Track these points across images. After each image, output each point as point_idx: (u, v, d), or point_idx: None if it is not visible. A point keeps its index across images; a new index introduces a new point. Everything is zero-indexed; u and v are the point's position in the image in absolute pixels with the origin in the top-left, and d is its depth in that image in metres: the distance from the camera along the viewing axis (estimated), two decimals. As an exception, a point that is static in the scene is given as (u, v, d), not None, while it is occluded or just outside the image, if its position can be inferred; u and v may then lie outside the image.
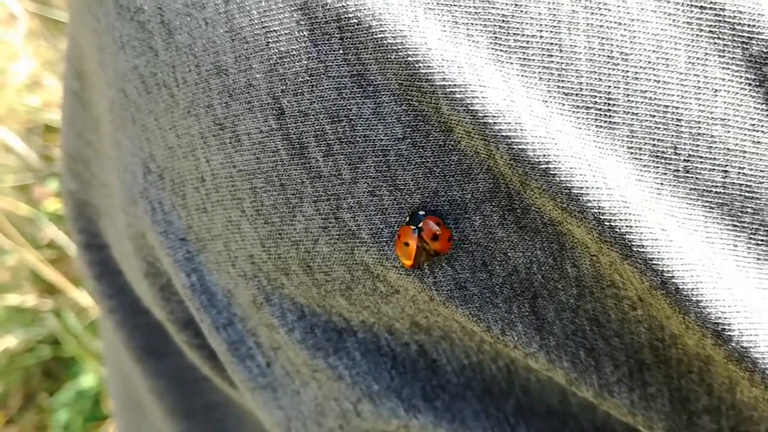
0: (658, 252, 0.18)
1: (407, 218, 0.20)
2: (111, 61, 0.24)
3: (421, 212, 0.20)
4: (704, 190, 0.20)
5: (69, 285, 1.03)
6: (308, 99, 0.20)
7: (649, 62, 0.19)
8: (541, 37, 0.19)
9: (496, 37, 0.19)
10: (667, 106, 0.19)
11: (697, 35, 0.19)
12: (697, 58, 0.19)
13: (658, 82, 0.19)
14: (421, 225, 0.20)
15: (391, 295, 0.22)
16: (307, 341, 0.23)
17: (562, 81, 0.19)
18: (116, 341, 0.34)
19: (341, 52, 0.19)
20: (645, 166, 0.19)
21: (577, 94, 0.19)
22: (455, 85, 0.18)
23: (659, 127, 0.19)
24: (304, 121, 0.20)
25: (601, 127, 0.19)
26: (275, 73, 0.20)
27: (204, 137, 0.22)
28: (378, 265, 0.21)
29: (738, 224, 0.20)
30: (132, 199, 0.25)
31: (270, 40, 0.20)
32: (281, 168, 0.21)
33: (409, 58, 0.18)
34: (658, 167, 0.19)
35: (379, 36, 0.19)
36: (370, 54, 0.19)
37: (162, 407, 0.34)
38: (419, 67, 0.18)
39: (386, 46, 0.19)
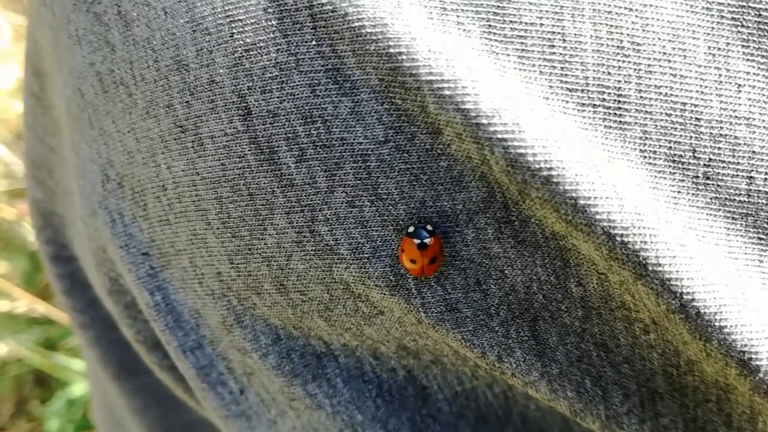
0: (677, 271, 0.17)
1: (410, 229, 0.19)
2: (67, 57, 0.23)
3: (429, 227, 0.19)
4: (726, 198, 0.19)
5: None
6: (278, 97, 0.19)
7: (664, 53, 0.18)
8: (542, 24, 0.18)
9: (490, 25, 0.18)
10: (684, 104, 0.18)
11: (718, 23, 0.18)
12: (718, 49, 0.18)
13: (675, 75, 0.18)
14: (427, 242, 0.19)
15: (375, 316, 0.21)
16: (283, 367, 0.22)
17: (566, 75, 0.18)
18: (91, 357, 0.33)
19: (314, 43, 0.18)
20: (660, 172, 0.18)
21: (582, 90, 0.18)
22: (443, 80, 0.17)
23: (676, 128, 0.18)
24: (273, 123, 0.19)
25: (611, 127, 0.18)
26: (240, 67, 0.19)
27: (164, 141, 0.21)
28: (359, 284, 0.20)
29: (764, 237, 0.19)
30: (91, 210, 0.24)
31: (234, 31, 0.19)
32: (249, 175, 0.20)
33: (391, 50, 0.17)
34: (674, 173, 0.18)
35: (357, 24, 0.17)
36: (347, 45, 0.18)
37: (141, 424, 0.33)
38: (402, 59, 0.17)
39: (364, 36, 0.17)
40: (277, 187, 0.19)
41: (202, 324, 0.23)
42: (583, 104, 0.18)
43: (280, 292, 0.21)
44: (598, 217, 0.17)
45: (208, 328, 0.23)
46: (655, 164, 0.18)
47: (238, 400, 0.24)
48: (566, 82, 0.18)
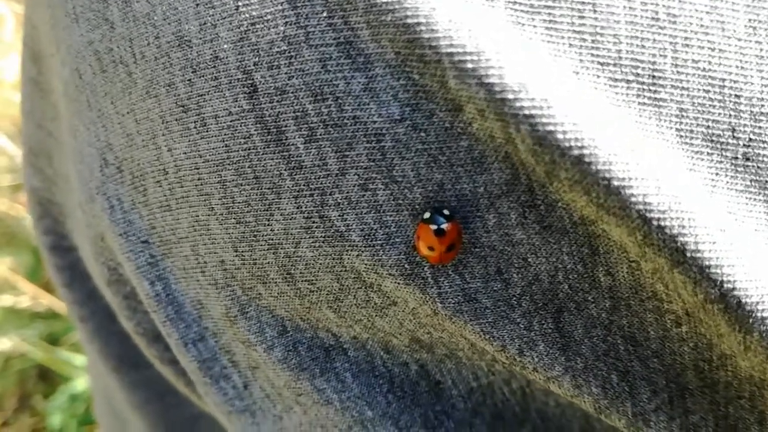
0: (717, 258, 0.16)
1: (427, 214, 0.18)
2: (64, 37, 0.22)
3: (446, 212, 0.18)
4: (767, 181, 0.18)
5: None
6: (286, 73, 0.17)
7: (702, 26, 0.17)
8: None
9: None
10: (723, 80, 0.17)
11: None
12: (759, 22, 0.17)
13: (713, 50, 0.17)
14: (444, 228, 0.18)
15: (387, 307, 0.20)
16: (290, 360, 0.21)
17: (597, 48, 0.17)
18: (91, 350, 0.32)
19: (325, 15, 0.17)
20: (697, 152, 0.17)
21: (615, 65, 0.17)
22: (465, 52, 0.16)
23: (714, 105, 0.17)
24: (280, 100, 0.18)
25: (645, 104, 0.17)
26: (246, 42, 0.18)
27: (165, 122, 0.19)
28: (371, 273, 0.19)
29: None
30: (89, 196, 0.23)
31: (240, 4, 0.18)
32: (255, 157, 0.18)
33: (408, 20, 0.16)
34: (712, 154, 0.17)
35: None
36: (361, 17, 0.17)
37: (142, 419, 0.33)
38: (421, 30, 0.16)
39: (380, 6, 0.16)
40: (285, 170, 0.18)
41: (204, 315, 0.22)
42: (616, 79, 0.17)
43: (287, 282, 0.20)
44: (633, 199, 0.16)
45: (211, 320, 0.22)
46: (693, 144, 0.17)
47: (242, 395, 0.23)
48: (597, 55, 0.17)
